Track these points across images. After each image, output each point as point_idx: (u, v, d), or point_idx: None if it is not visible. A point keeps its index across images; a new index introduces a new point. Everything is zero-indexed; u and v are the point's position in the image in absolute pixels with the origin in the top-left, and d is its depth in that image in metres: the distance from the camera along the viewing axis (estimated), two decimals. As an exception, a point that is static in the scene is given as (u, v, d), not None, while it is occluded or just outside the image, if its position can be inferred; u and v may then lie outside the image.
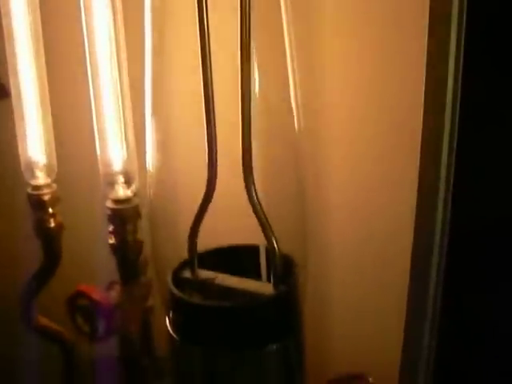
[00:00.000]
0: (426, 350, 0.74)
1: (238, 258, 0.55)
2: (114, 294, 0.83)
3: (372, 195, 0.84)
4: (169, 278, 0.52)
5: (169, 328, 0.51)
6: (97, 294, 0.83)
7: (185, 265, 0.54)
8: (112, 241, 0.74)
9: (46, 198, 0.80)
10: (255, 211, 0.49)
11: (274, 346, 0.49)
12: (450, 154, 0.69)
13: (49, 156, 0.80)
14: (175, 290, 0.50)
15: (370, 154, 0.81)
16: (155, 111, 0.64)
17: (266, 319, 0.49)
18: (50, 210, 0.81)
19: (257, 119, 0.58)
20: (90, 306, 0.86)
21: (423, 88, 0.66)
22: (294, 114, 0.71)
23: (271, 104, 0.67)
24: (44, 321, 0.89)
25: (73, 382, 0.95)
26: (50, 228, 0.81)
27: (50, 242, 0.83)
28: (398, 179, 0.81)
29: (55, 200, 0.81)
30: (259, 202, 0.49)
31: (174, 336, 0.51)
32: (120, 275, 0.77)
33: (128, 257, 0.75)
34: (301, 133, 0.72)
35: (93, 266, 0.95)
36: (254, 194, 0.49)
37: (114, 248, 0.74)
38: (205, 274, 0.53)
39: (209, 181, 0.50)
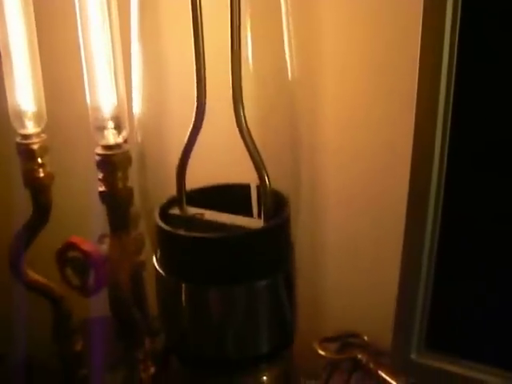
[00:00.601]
0: (421, 303, 0.73)
1: (228, 197, 0.53)
2: (105, 247, 0.82)
3: (368, 136, 0.83)
4: (156, 213, 0.50)
5: (155, 264, 0.50)
6: (87, 246, 0.82)
7: (173, 202, 0.52)
8: (102, 188, 0.72)
9: (35, 147, 0.78)
10: (245, 141, 0.47)
11: (265, 281, 0.47)
12: (446, 108, 0.68)
13: (38, 105, 0.78)
14: (161, 223, 0.49)
15: (364, 100, 0.80)
16: (142, 51, 0.62)
17: (255, 252, 0.47)
18: (40, 160, 0.80)
19: (249, 62, 0.56)
20: (80, 258, 0.84)
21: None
22: (288, 60, 0.69)
23: (264, 49, 0.66)
24: (33, 275, 0.88)
25: (62, 337, 0.93)
26: (39, 178, 0.80)
27: (40, 193, 0.81)
28: (393, 122, 0.79)
29: (44, 150, 0.80)
30: (248, 130, 0.47)
31: (160, 271, 0.49)
32: (110, 225, 0.76)
33: (118, 205, 0.73)
34: (295, 80, 0.71)
35: (84, 219, 0.93)
36: (243, 124, 0.47)
37: (104, 196, 0.72)
38: (193, 210, 0.51)
39: (197, 108, 0.49)
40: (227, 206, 0.51)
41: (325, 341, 0.93)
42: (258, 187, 0.53)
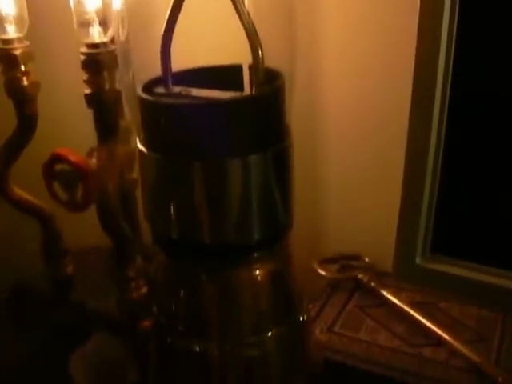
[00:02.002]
0: (426, 208, 0.69)
1: (218, 79, 0.48)
2: (94, 161, 0.77)
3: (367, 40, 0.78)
4: (138, 89, 0.45)
5: (138, 145, 0.45)
6: (75, 157, 0.78)
7: (158, 82, 0.48)
8: (88, 90, 0.68)
9: (18, 52, 0.73)
10: (236, 8, 0.42)
11: (255, 156, 0.42)
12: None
13: (19, 7, 0.73)
14: (143, 94, 0.44)
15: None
16: None
17: (244, 122, 0.43)
18: (23, 68, 0.75)
19: None
20: (67, 171, 0.80)
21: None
22: None
23: None
24: (19, 192, 0.83)
25: (52, 258, 0.89)
26: (23, 87, 0.75)
27: (24, 104, 0.76)
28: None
29: (28, 57, 0.75)
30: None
31: (143, 150, 0.44)
32: (98, 132, 0.72)
33: (105, 108, 0.69)
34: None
35: (72, 132, 0.89)
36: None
37: (90, 98, 0.68)
38: (180, 88, 0.47)
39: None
40: (217, 88, 0.46)
41: (324, 262, 0.89)
42: (250, 67, 0.48)
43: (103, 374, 0.82)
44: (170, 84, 0.48)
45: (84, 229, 0.95)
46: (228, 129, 0.43)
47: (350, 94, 0.86)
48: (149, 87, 0.48)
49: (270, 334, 0.51)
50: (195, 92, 0.47)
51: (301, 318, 0.54)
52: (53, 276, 0.90)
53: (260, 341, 0.50)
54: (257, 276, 0.49)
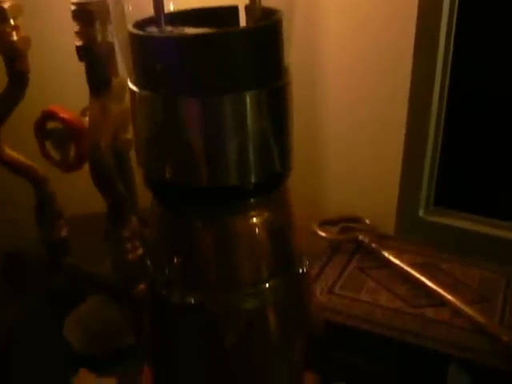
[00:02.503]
0: (429, 161, 0.67)
1: (213, 21, 0.45)
2: (87, 120, 0.75)
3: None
4: (129, 26, 0.43)
5: (129, 85, 0.43)
6: (67, 114, 0.75)
7: (150, 22, 0.45)
8: (79, 42, 0.65)
9: (6, 6, 0.71)
10: None
11: (251, 93, 0.40)
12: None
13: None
14: (134, 30, 0.41)
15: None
16: None
17: (240, 56, 0.40)
18: (12, 22, 0.72)
19: None
20: (60, 129, 0.78)
21: None
22: None
23: None
24: (11, 152, 0.81)
25: (46, 221, 0.87)
26: (13, 42, 0.72)
27: (15, 60, 0.73)
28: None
29: (17, 10, 0.72)
30: None
31: (134, 89, 0.42)
32: (90, 86, 0.69)
33: (97, 61, 0.67)
34: None
35: (64, 90, 0.86)
36: None
37: (81, 51, 0.65)
38: (172, 28, 0.44)
39: None
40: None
41: (324, 224, 0.87)
42: (246, 8, 0.45)
43: (98, 337, 0.80)
44: (163, 24, 0.46)
45: (78, 195, 0.93)
46: (222, 63, 0.40)
47: (347, 47, 0.84)
48: (141, 26, 0.45)
49: (267, 285, 0.49)
50: (188, 30, 0.44)
51: (300, 271, 0.52)
52: (47, 239, 0.88)
53: (258, 292, 0.48)
54: (254, 224, 0.47)
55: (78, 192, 0.97)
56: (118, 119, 0.78)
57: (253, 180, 0.44)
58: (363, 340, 0.72)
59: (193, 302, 0.49)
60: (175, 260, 0.50)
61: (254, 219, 0.48)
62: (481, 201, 0.72)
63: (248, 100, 0.41)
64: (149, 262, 0.53)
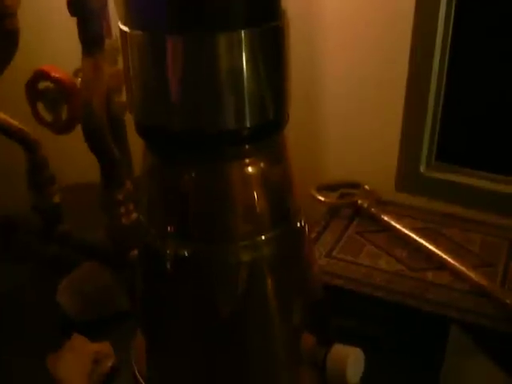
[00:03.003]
0: (431, 116, 0.64)
1: None
2: (80, 81, 0.73)
3: None
4: None
5: (120, 26, 0.41)
6: (60, 73, 0.73)
7: None
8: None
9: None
10: None
11: (244, 31, 0.38)
12: None
13: None
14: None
15: None
16: None
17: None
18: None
19: None
20: (52, 89, 0.76)
21: None
22: None
23: None
24: (2, 116, 0.79)
25: (39, 186, 0.85)
26: (2, 0, 0.69)
27: (4, 18, 0.71)
28: None
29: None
30: None
31: (125, 29, 0.40)
32: (82, 42, 0.66)
33: (89, 14, 0.64)
34: None
35: (56, 50, 0.84)
36: None
37: (73, 5, 0.63)
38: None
39: None
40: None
41: (323, 189, 0.85)
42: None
43: (92, 302, 0.78)
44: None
45: (72, 165, 0.91)
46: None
47: (346, 2, 0.81)
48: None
49: (264, 237, 0.47)
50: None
51: (298, 225, 0.50)
52: (40, 205, 0.86)
53: (254, 244, 0.46)
54: (250, 173, 0.45)
55: (72, 162, 0.95)
56: (111, 80, 0.76)
57: (247, 124, 0.43)
58: (362, 303, 0.70)
59: (186, 254, 0.47)
60: (168, 211, 0.49)
61: (250, 168, 0.46)
62: (483, 156, 0.70)
63: (242, 39, 0.39)
64: (141, 216, 0.51)
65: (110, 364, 0.68)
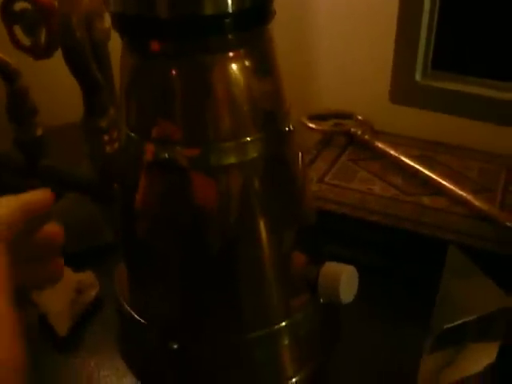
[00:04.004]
0: (427, 22, 0.60)
1: None
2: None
3: None
4: None
5: None
6: (35, -7, 0.69)
7: None
8: None
9: None
10: None
11: None
12: None
13: None
14: None
15: None
16: None
17: None
18: None
19: None
20: (29, 11, 0.72)
21: None
22: None
23: None
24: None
25: (19, 118, 0.81)
26: None
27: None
28: None
29: None
30: None
31: None
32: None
33: None
34: None
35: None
36: None
37: None
38: None
39: None
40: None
41: (315, 118, 0.81)
42: None
43: (74, 234, 0.75)
44: None
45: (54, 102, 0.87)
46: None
47: None
48: None
49: (248, 139, 0.43)
50: None
51: (286, 129, 0.46)
52: (21, 138, 0.82)
53: (238, 146, 0.43)
54: (233, 67, 0.42)
55: (55, 101, 0.91)
56: (92, 4, 0.72)
57: (229, 10, 0.39)
58: (356, 229, 0.67)
59: (167, 156, 0.44)
60: (148, 112, 0.45)
61: (234, 63, 0.43)
62: (482, 62, 0.67)
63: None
64: (120, 123, 0.48)
65: (93, 293, 0.65)
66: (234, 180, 0.45)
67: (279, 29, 0.47)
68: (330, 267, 0.49)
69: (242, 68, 0.43)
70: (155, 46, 0.42)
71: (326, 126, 0.82)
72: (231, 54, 0.42)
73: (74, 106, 0.75)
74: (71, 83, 0.76)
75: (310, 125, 0.79)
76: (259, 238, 0.48)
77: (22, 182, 0.87)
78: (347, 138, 0.80)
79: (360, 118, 0.83)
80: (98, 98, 0.71)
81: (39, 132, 0.83)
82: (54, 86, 0.91)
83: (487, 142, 0.79)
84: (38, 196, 0.41)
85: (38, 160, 0.84)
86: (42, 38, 0.73)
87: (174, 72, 0.43)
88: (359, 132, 0.78)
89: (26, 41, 0.73)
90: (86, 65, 0.67)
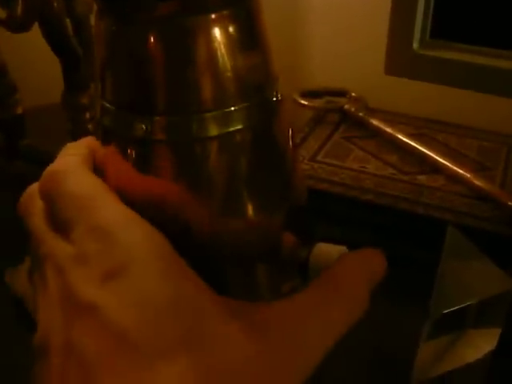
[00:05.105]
0: None
1: None
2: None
3: None
4: None
5: None
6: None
7: None
8: None
9: None
10: None
11: None
12: None
13: None
14: None
15: None
16: None
17: None
18: None
19: None
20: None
21: None
22: None
23: None
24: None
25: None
26: None
27: None
28: None
29: None
30: None
31: None
32: None
33: None
34: None
35: None
36: None
37: None
38: None
39: None
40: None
41: (307, 95, 0.77)
42: None
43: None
44: None
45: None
46: None
47: None
48: None
49: (233, 108, 0.40)
50: None
51: (273, 98, 0.42)
52: (1, 116, 0.78)
53: (221, 116, 0.39)
54: (215, 30, 0.38)
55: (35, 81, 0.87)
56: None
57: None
58: (350, 209, 0.63)
59: (144, 128, 0.40)
60: (125, 80, 0.41)
61: (216, 25, 0.39)
62: (481, 30, 0.63)
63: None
64: (96, 98, 0.44)
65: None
66: (219, 153, 0.41)
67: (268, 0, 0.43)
68: (322, 248, 0.45)
69: (226, 32, 0.40)
70: (130, 10, 0.38)
71: (319, 102, 0.78)
72: (213, 15, 0.38)
73: (56, 82, 0.71)
74: (52, 59, 0.72)
75: (302, 102, 0.76)
76: (246, 217, 0.44)
77: (3, 162, 0.84)
78: (340, 116, 0.77)
79: (354, 94, 0.80)
80: (78, 73, 0.68)
81: (19, 110, 0.80)
82: (34, 62, 0.87)
83: (487, 119, 0.76)
84: None
85: (18, 139, 0.80)
86: (18, 9, 0.69)
87: (151, 37, 0.39)
88: (353, 109, 0.75)
89: (1, 13, 0.69)
90: (64, 39, 0.64)
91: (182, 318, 0.24)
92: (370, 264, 0.32)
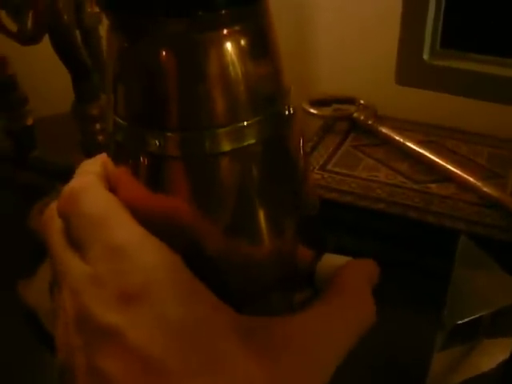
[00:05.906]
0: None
1: None
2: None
3: None
4: None
5: None
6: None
7: None
8: None
9: None
10: None
11: None
12: None
13: None
14: None
15: None
16: None
17: None
18: None
19: None
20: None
21: None
22: None
23: None
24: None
25: (9, 107, 0.78)
26: None
27: None
28: None
29: None
30: None
31: None
32: None
33: None
34: None
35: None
36: None
37: None
38: None
39: None
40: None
41: (316, 103, 0.77)
42: None
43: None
44: None
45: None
46: None
47: None
48: None
49: (245, 123, 0.40)
50: None
51: (286, 112, 0.43)
52: (11, 127, 0.79)
53: (233, 131, 0.39)
54: (227, 45, 0.38)
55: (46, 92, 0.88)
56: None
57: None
58: (360, 219, 0.63)
59: (157, 143, 0.40)
60: (136, 95, 0.41)
61: (228, 42, 0.39)
62: (492, 40, 0.63)
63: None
64: (108, 112, 0.44)
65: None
66: (231, 168, 0.41)
67: (278, 8, 0.43)
68: (328, 259, 0.45)
69: (238, 46, 0.40)
70: (143, 26, 0.38)
71: (328, 111, 0.78)
72: (225, 31, 0.38)
73: (66, 93, 0.71)
74: (62, 70, 0.73)
75: (311, 110, 0.76)
76: (258, 229, 0.44)
77: (12, 172, 0.84)
78: (350, 124, 0.77)
79: (363, 102, 0.80)
80: (88, 84, 0.68)
81: (30, 121, 0.80)
82: (45, 73, 0.87)
83: (496, 126, 0.75)
84: None
85: (29, 150, 0.81)
86: (29, 22, 0.69)
87: (163, 53, 0.39)
88: (362, 117, 0.75)
89: (12, 26, 0.69)
90: (74, 50, 0.64)
91: (204, 342, 0.24)
92: (369, 271, 0.32)
